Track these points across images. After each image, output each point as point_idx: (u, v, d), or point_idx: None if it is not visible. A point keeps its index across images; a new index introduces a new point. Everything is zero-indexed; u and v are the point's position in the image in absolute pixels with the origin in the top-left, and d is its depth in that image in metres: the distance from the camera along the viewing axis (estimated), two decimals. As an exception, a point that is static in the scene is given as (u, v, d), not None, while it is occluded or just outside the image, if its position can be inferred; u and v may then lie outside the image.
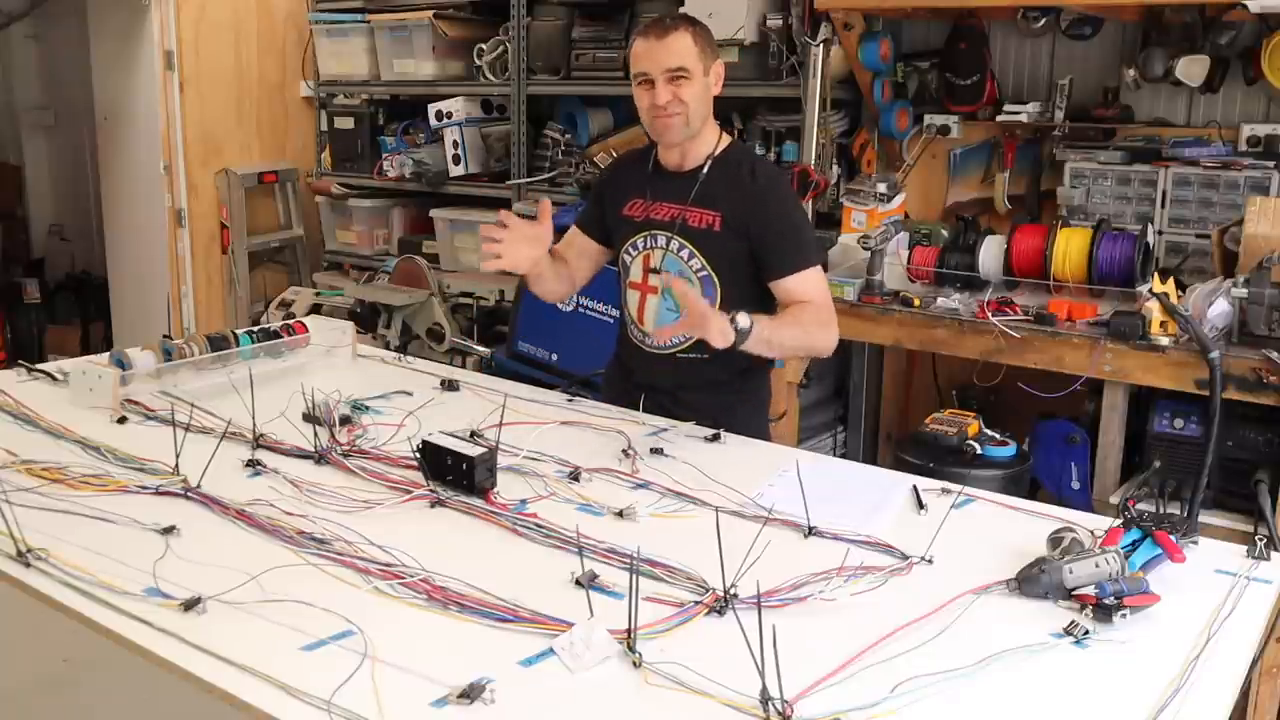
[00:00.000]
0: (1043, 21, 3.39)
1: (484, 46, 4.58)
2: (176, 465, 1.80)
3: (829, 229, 3.58)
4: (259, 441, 1.97)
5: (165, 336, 2.49)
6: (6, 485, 1.68)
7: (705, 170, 2.26)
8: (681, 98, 2.17)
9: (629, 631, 1.29)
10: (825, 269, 2.47)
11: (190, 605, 1.36)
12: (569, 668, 1.26)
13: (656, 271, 2.30)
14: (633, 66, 2.22)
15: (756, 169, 2.28)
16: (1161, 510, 2.47)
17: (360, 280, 4.91)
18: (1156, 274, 2.78)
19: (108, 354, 2.36)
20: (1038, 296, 2.95)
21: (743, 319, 2.00)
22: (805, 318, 2.18)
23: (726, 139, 2.31)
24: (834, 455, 3.65)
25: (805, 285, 2.22)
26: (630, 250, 2.35)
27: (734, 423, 2.19)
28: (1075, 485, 2.94)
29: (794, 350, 2.20)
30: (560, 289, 2.46)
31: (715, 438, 2.11)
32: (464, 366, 3.99)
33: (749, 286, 2.26)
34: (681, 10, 3.75)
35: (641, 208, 2.33)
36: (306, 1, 5.26)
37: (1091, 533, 1.56)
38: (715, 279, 2.25)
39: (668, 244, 2.28)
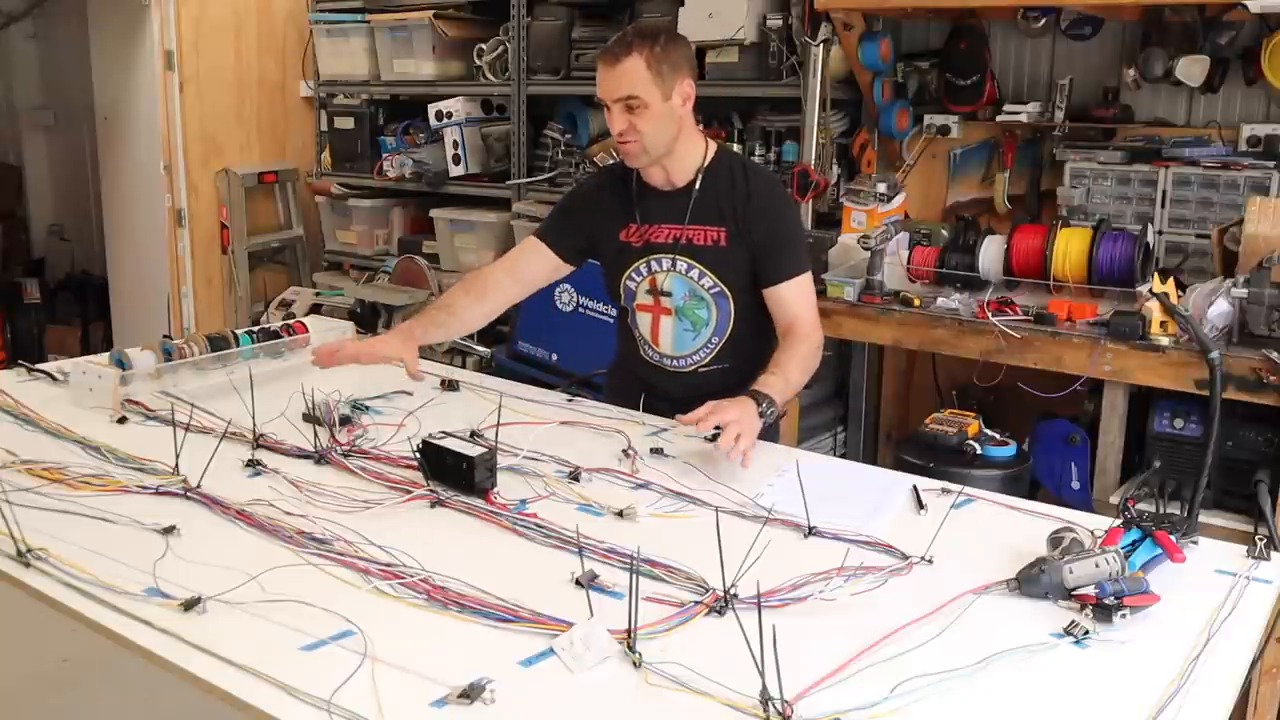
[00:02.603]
0: (1043, 21, 3.38)
1: (484, 46, 4.58)
2: (176, 465, 1.80)
3: (829, 229, 3.57)
4: (259, 441, 1.97)
5: (165, 336, 2.49)
6: (6, 485, 1.68)
7: (698, 185, 2.22)
8: (636, 125, 2.11)
9: (629, 631, 1.28)
10: (817, 274, 2.46)
11: (190, 605, 1.36)
12: (569, 668, 1.26)
13: (662, 293, 2.28)
14: None
15: (750, 174, 2.26)
16: (1161, 510, 2.46)
17: (360, 280, 4.92)
18: (1156, 274, 2.78)
19: (108, 354, 2.36)
20: (1038, 296, 2.94)
21: (765, 402, 1.99)
22: (802, 351, 2.16)
23: (714, 147, 2.26)
24: (834, 455, 3.64)
25: (796, 293, 2.22)
26: (634, 276, 2.31)
27: None
28: (1075, 485, 2.93)
29: (804, 382, 2.22)
30: (473, 326, 2.41)
31: (715, 438, 2.10)
32: (464, 366, 4.00)
33: (758, 294, 2.26)
34: (681, 9, 3.76)
35: (637, 232, 2.27)
36: (306, 1, 5.26)
37: (1091, 533, 1.55)
38: (728, 294, 2.25)
39: (673, 265, 2.26)
